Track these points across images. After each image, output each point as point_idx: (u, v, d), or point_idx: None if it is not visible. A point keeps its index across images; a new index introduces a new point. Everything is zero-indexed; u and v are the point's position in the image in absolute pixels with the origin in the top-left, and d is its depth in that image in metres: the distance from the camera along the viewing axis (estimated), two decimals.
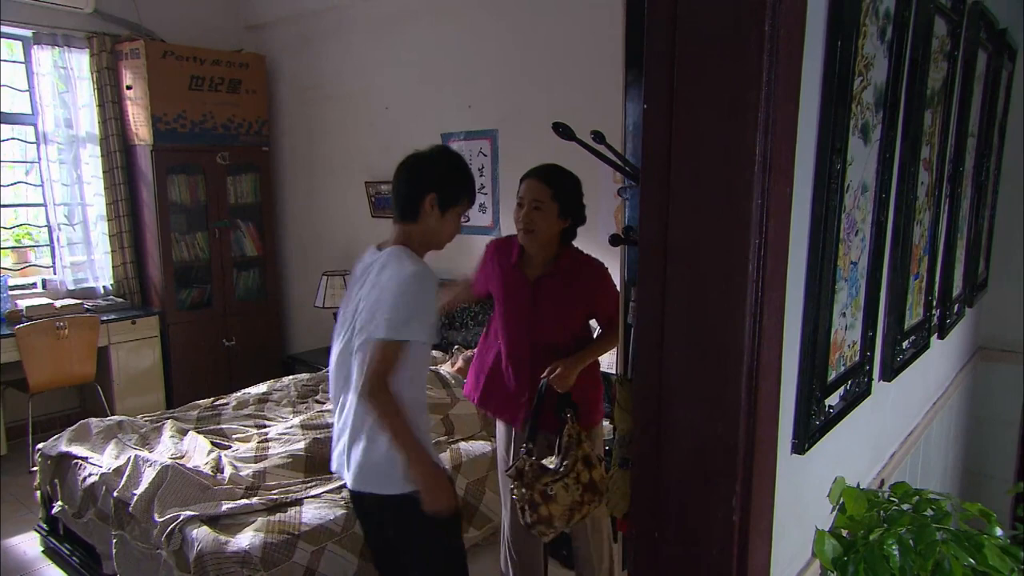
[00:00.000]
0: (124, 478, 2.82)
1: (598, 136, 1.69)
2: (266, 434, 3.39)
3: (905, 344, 1.66)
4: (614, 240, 1.52)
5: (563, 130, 1.79)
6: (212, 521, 2.58)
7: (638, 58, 1.42)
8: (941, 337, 2.07)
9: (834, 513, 1.40)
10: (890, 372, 1.58)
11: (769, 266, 0.93)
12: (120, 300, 4.83)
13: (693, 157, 0.93)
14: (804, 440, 1.15)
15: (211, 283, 5.09)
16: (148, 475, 2.78)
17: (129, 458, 2.92)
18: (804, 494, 1.27)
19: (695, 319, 0.96)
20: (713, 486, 0.96)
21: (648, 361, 0.99)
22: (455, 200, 1.94)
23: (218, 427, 3.53)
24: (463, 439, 3.43)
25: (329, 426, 2.89)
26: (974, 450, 3.02)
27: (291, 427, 3.43)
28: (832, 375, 1.24)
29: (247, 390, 4.10)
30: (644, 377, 0.99)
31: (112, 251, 4.84)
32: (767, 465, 1.00)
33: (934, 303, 1.91)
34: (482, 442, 3.41)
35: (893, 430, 1.79)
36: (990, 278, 2.89)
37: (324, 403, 3.85)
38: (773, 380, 0.99)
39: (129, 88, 4.60)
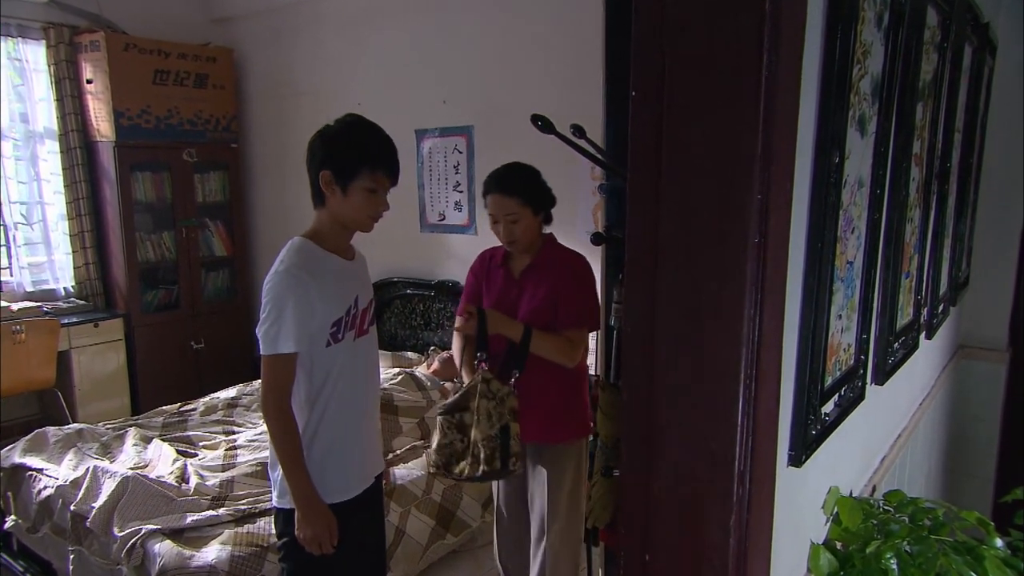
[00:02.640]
0: (82, 490, 2.68)
1: (578, 130, 1.63)
2: (235, 441, 3.27)
3: (896, 345, 1.61)
4: (596, 239, 1.45)
5: (542, 123, 1.72)
6: (176, 534, 2.47)
7: (620, 50, 1.34)
8: (929, 337, 2.03)
9: (828, 524, 1.34)
10: (882, 375, 1.52)
11: (769, 267, 0.85)
12: (82, 302, 4.65)
13: (686, 148, 0.85)
14: (801, 452, 1.09)
15: (178, 284, 4.93)
16: (108, 487, 2.65)
17: (88, 469, 2.78)
18: (800, 507, 1.20)
19: (689, 325, 0.88)
20: (709, 508, 0.88)
21: (637, 371, 0.91)
22: (354, 173, 1.73)
23: (184, 434, 3.40)
24: None
25: None
26: (954, 449, 3.00)
27: (261, 433, 3.31)
28: (828, 381, 1.18)
29: (216, 394, 3.97)
30: (633, 389, 0.91)
31: (73, 251, 4.65)
32: (766, 483, 0.93)
33: (923, 302, 1.86)
34: None
35: (883, 434, 1.74)
36: (971, 276, 2.86)
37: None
38: (772, 391, 0.91)
39: (90, 82, 4.42)
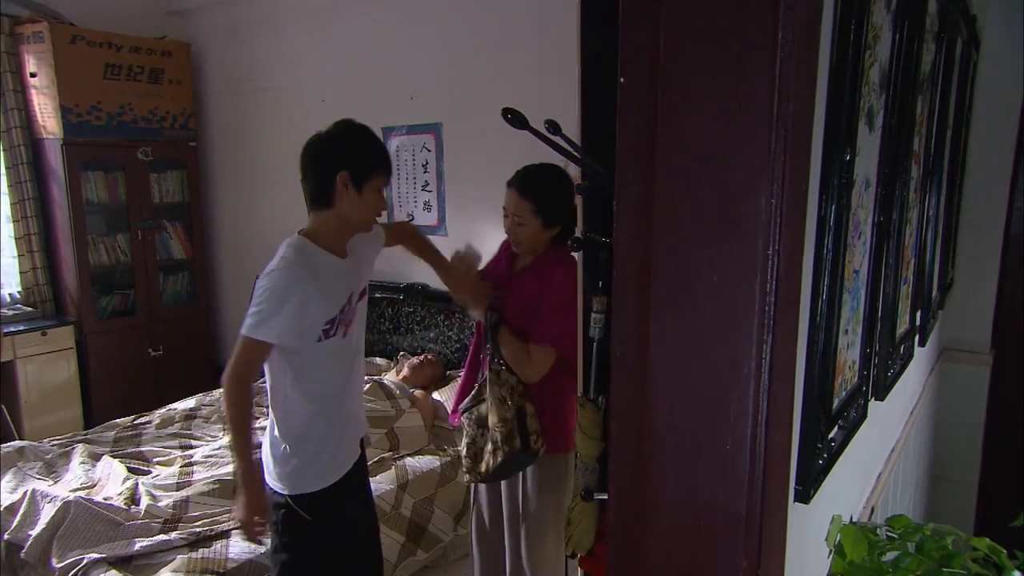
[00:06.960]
0: (18, 516, 2.48)
1: (552, 126, 1.50)
2: (191, 457, 3.08)
3: (896, 356, 1.50)
4: (576, 245, 1.32)
5: (512, 116, 1.58)
6: (122, 563, 2.29)
7: (597, 35, 1.21)
8: (922, 344, 1.93)
9: (831, 557, 1.22)
10: (883, 390, 1.41)
11: (781, 281, 0.72)
12: (29, 309, 4.40)
13: (686, 143, 0.72)
14: (809, 486, 0.96)
15: (134, 288, 4.70)
16: (47, 512, 2.45)
17: (26, 492, 2.57)
18: (805, 544, 1.08)
19: (689, 351, 0.75)
20: (712, 565, 0.75)
21: (627, 405, 0.77)
22: (370, 174, 1.84)
23: (137, 449, 3.20)
24: (409, 454, 3.19)
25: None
26: (937, 455, 2.94)
27: (219, 448, 3.13)
28: (836, 404, 1.06)
29: (173, 406, 3.77)
30: (623, 427, 0.78)
31: (19, 255, 4.40)
32: (776, 531, 0.80)
33: (920, 308, 1.76)
34: (430, 457, 3.18)
35: (879, 451, 1.63)
36: (955, 277, 2.79)
37: (259, 418, 3.53)
38: (785, 426, 0.78)
39: (33, 75, 4.17)
